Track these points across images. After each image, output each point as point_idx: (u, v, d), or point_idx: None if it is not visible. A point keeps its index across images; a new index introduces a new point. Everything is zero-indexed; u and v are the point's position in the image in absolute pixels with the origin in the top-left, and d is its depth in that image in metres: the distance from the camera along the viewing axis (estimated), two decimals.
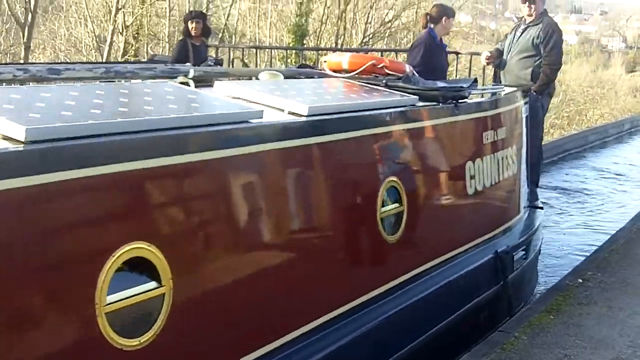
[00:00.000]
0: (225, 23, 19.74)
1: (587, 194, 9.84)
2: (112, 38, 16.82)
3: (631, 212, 8.35)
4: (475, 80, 5.13)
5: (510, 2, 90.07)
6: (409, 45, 20.85)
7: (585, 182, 10.56)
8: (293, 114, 3.32)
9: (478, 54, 12.87)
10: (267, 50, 14.75)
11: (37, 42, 19.62)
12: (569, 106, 28.74)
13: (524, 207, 5.79)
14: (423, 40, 6.37)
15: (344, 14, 19.13)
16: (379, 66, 4.68)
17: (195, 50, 7.69)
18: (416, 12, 21.75)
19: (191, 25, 7.76)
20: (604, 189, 10.27)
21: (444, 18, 6.41)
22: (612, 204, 9.37)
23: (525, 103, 5.87)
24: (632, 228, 6.99)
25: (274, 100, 3.40)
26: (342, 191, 3.52)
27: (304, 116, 3.28)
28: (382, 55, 12.96)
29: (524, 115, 5.67)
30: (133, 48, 17.40)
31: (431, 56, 6.21)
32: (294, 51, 15.38)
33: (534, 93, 6.54)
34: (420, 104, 4.30)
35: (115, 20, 16.75)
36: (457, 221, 4.64)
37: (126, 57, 16.72)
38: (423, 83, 4.62)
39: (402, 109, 4.12)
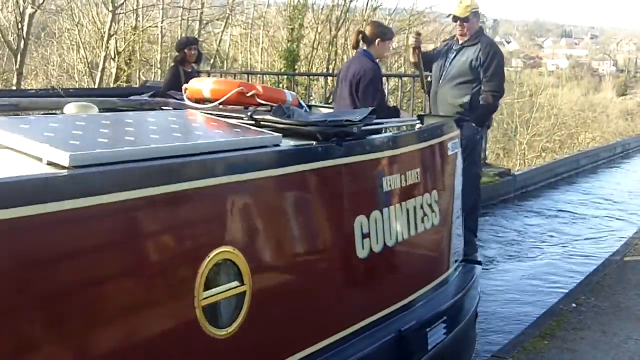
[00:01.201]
0: (217, 49, 19.83)
1: (579, 218, 9.84)
2: (104, 64, 16.85)
3: (623, 236, 8.35)
4: (373, 112, 3.90)
5: (500, 28, 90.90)
6: (399, 70, 21.05)
7: (576, 207, 10.58)
8: (52, 164, 2.42)
9: None
10: (259, 75, 14.80)
11: (29, 68, 19.66)
12: (560, 130, 28.90)
13: (455, 263, 4.77)
14: (371, 75, 5.38)
15: (335, 39, 19.24)
16: (248, 94, 3.83)
17: (187, 76, 7.71)
18: (406, 37, 21.88)
19: (189, 52, 7.81)
20: (595, 212, 10.29)
21: (377, 40, 5.44)
22: (604, 228, 9.37)
23: (456, 137, 4.89)
24: (625, 252, 6.99)
25: (30, 145, 2.51)
26: (133, 271, 2.50)
27: (66, 168, 2.38)
28: None
29: (453, 152, 4.70)
30: (125, 74, 17.43)
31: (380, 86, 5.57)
32: (285, 76, 15.43)
33: (473, 125, 5.73)
34: (292, 142, 3.35)
35: (107, 47, 16.79)
36: (335, 298, 3.47)
37: (118, 82, 16.76)
38: (301, 115, 3.67)
39: (252, 151, 3.04)
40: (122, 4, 17.32)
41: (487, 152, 12.16)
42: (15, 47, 15.80)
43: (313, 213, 3.34)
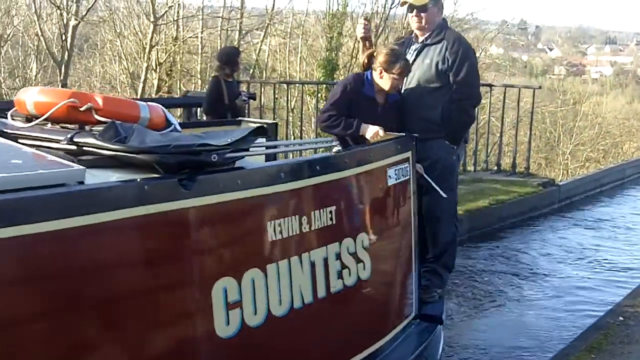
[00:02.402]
0: (256, 59, 19.92)
1: (626, 229, 9.61)
2: (146, 75, 17.04)
3: None
4: (258, 131, 2.98)
5: (543, 33, 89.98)
6: None
7: (623, 218, 10.34)
8: None
9: (511, 86, 12.90)
10: (297, 85, 14.81)
11: (73, 79, 19.97)
12: (604, 139, 28.41)
13: (398, 327, 3.77)
14: (342, 82, 4.88)
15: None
16: (82, 109, 2.93)
17: (228, 86, 7.72)
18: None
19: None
20: None
21: (380, 69, 4.49)
22: None
23: (404, 161, 3.98)
24: None
25: None
26: None
27: None
28: None
29: (398, 181, 3.85)
30: (166, 84, 17.60)
31: (349, 108, 4.51)
32: (324, 85, 15.42)
33: (447, 143, 4.75)
34: (116, 176, 2.57)
35: (149, 58, 16.98)
36: None
37: (160, 93, 16.92)
38: (141, 139, 2.69)
39: (29, 194, 2.16)
40: (163, 15, 17.51)
41: (530, 162, 11.98)
42: (60, 59, 16.08)
43: (133, 281, 2.37)
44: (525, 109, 13.66)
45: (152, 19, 16.92)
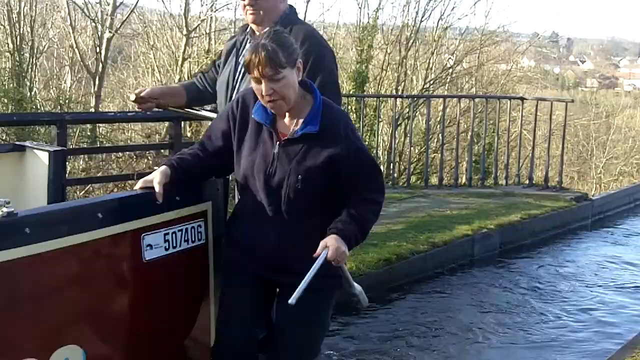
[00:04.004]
0: None
1: None
2: None
3: None
4: None
5: (575, 46, 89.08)
6: (471, 91, 20.80)
7: None
8: None
9: (543, 99, 12.79)
10: None
11: (107, 91, 20.19)
12: (638, 152, 27.99)
13: None
14: None
15: (404, 60, 19.14)
16: None
17: None
18: (478, 58, 21.61)
19: None
20: None
21: None
22: None
23: (194, 218, 2.91)
24: None
25: None
26: None
27: None
28: (444, 102, 12.97)
29: (166, 254, 2.76)
30: None
31: None
32: (354, 98, 15.41)
33: None
34: None
35: (181, 70, 17.12)
36: None
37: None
38: None
39: None
40: (196, 28, 17.65)
41: (562, 176, 11.86)
42: (94, 71, 16.28)
43: None
44: (558, 122, 13.55)
45: (184, 32, 17.06)
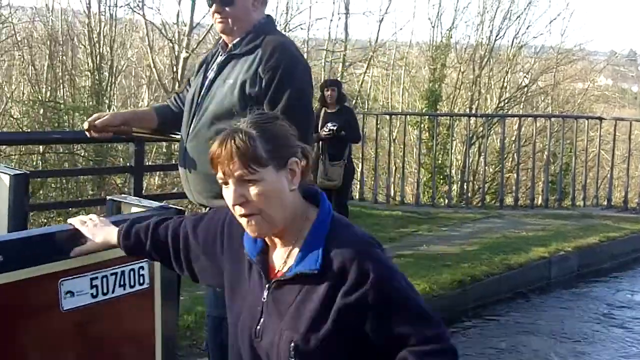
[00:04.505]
0: (359, 90, 20.01)
1: None
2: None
3: None
4: None
5: None
6: (547, 110, 20.41)
7: None
8: None
9: (622, 119, 12.44)
10: (399, 116, 14.77)
11: None
12: None
13: None
14: None
15: (478, 79, 18.94)
16: None
17: (326, 117, 7.81)
18: (554, 76, 21.21)
19: (327, 93, 7.89)
20: None
21: None
22: None
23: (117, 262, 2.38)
24: None
25: None
26: None
27: None
28: (519, 121, 12.76)
29: (92, 302, 2.31)
30: None
31: None
32: (427, 117, 15.31)
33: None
34: None
35: None
36: None
37: None
38: None
39: None
40: None
41: None
42: (170, 90, 16.63)
43: None
44: (637, 142, 13.16)
45: None
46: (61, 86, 15.58)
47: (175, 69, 16.58)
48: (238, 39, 3.11)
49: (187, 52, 16.37)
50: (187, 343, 5.12)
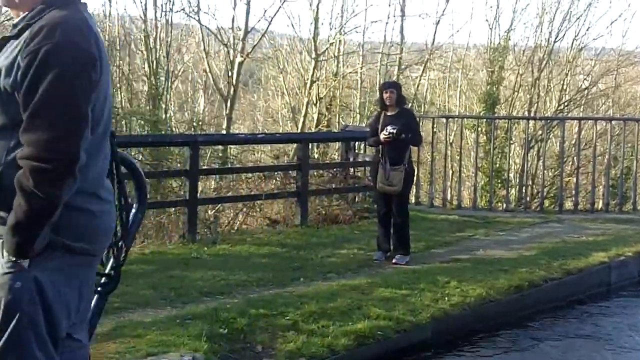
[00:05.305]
0: (415, 92, 19.86)
1: None
2: (306, 109, 17.40)
3: None
4: None
5: None
6: (608, 113, 19.92)
7: None
8: None
9: None
10: (456, 119, 14.58)
11: (238, 113, 20.77)
12: None
13: None
14: None
15: (537, 82, 18.59)
16: None
17: (386, 120, 7.65)
18: (615, 79, 20.69)
19: (385, 95, 7.76)
20: None
21: None
22: None
23: None
24: None
25: None
26: None
27: None
28: (579, 124, 12.46)
29: None
30: (326, 118, 17.88)
31: None
32: (484, 120, 15.08)
33: (13, 260, 2.30)
34: None
35: (309, 93, 17.34)
36: None
37: (319, 127, 17.21)
38: None
39: None
40: (325, 51, 17.86)
41: None
42: (226, 94, 16.76)
43: None
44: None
45: (313, 55, 17.30)
46: (118, 91, 15.84)
47: (230, 74, 16.71)
48: (22, 15, 2.46)
49: (242, 56, 16.47)
50: (241, 346, 5.09)
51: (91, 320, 2.71)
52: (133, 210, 2.73)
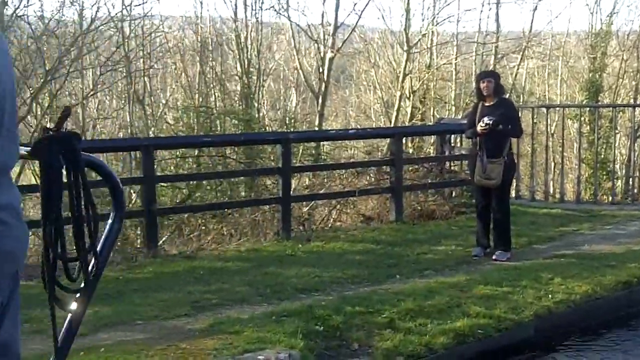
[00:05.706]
0: (513, 83, 19.29)
1: None
2: (399, 103, 17.16)
3: None
4: None
5: None
6: None
7: None
8: None
9: None
10: (557, 108, 14.02)
11: (330, 109, 20.71)
12: None
13: None
14: None
15: None
16: None
17: (484, 111, 7.30)
18: None
19: (482, 85, 7.43)
20: None
21: None
22: None
23: None
24: None
25: None
26: None
27: None
28: None
29: None
30: (420, 112, 17.59)
31: None
32: (587, 109, 14.45)
33: None
34: None
35: (402, 86, 17.09)
36: None
37: (413, 121, 16.93)
38: None
39: None
40: (417, 43, 17.57)
41: None
42: (317, 90, 16.71)
43: None
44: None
45: (405, 47, 17.03)
46: (212, 91, 16.01)
47: (321, 70, 16.64)
48: None
49: (332, 51, 16.38)
50: (336, 343, 4.98)
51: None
52: (109, 221, 2.33)
